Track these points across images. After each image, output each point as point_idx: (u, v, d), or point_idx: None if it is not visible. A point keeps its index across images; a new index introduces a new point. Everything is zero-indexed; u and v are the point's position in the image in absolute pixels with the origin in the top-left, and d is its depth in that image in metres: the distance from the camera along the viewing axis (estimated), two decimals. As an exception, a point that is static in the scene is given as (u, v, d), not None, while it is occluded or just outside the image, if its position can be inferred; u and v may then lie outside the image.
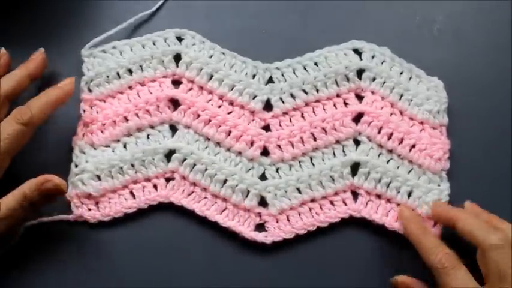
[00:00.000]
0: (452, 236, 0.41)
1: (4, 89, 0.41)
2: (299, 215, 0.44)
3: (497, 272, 0.36)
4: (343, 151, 0.45)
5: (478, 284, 0.37)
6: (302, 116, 0.46)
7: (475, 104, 0.48)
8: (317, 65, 0.47)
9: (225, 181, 0.44)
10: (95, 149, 0.45)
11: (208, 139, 0.45)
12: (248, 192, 0.44)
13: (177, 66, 0.47)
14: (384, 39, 0.48)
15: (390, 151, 0.45)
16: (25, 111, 0.40)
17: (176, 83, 0.47)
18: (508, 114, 0.48)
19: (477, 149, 0.46)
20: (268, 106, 0.46)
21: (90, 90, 0.47)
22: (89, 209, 0.44)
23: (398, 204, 0.44)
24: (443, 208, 0.43)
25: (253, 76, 0.47)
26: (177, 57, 0.47)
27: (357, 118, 0.46)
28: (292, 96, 0.46)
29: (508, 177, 0.46)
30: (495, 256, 0.37)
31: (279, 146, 0.45)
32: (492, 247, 0.37)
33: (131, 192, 0.45)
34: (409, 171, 0.45)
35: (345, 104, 0.46)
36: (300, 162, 0.45)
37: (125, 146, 0.45)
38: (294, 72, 0.47)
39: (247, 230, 0.44)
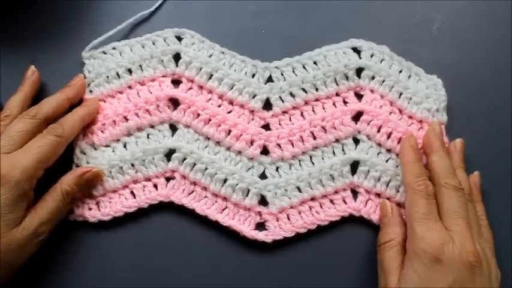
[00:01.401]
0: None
1: (44, 110, 0.42)
2: (299, 213, 0.44)
3: (451, 206, 0.39)
4: (343, 150, 0.45)
5: (439, 219, 0.39)
6: (302, 114, 0.46)
7: (474, 103, 0.48)
8: (316, 64, 0.47)
9: (225, 180, 0.44)
10: (95, 149, 0.45)
11: (208, 138, 0.46)
12: (248, 191, 0.44)
13: (177, 65, 0.47)
14: (383, 39, 0.48)
15: (389, 150, 0.45)
16: (57, 126, 0.42)
17: (176, 82, 0.47)
18: (507, 113, 0.48)
19: (476, 148, 0.46)
20: (267, 105, 0.47)
21: (91, 92, 0.47)
22: (90, 209, 0.44)
23: (398, 204, 0.44)
24: (435, 135, 0.43)
25: (253, 75, 0.47)
26: (177, 57, 0.47)
27: (357, 117, 0.46)
28: (291, 95, 0.46)
29: (507, 176, 0.46)
30: (451, 194, 0.39)
31: (278, 145, 0.45)
32: (449, 186, 0.40)
33: (131, 192, 0.45)
34: (409, 170, 0.45)
35: (345, 102, 0.46)
36: (299, 161, 0.46)
37: (125, 146, 0.46)
38: (294, 71, 0.47)
39: (247, 229, 0.44)
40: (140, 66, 0.47)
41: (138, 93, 0.47)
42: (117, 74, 0.47)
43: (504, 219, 0.45)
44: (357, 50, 0.47)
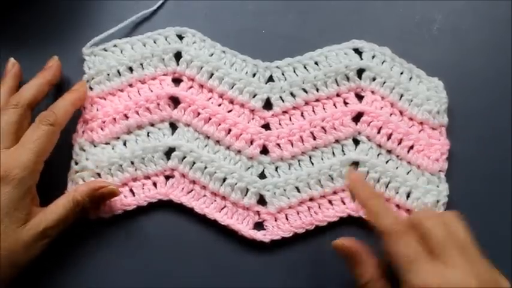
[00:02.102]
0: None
1: (25, 97, 0.42)
2: (298, 213, 0.44)
3: (404, 257, 0.35)
4: (343, 150, 0.45)
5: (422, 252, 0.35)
6: (302, 115, 0.46)
7: (475, 104, 0.47)
8: (317, 64, 0.47)
9: (224, 179, 0.44)
10: (94, 146, 0.46)
11: (208, 137, 0.46)
12: (247, 190, 0.44)
13: (178, 64, 0.47)
14: (383, 39, 0.48)
15: (389, 151, 0.45)
16: (49, 113, 0.42)
17: (176, 81, 0.47)
18: (508, 114, 0.47)
19: (477, 149, 0.46)
20: (268, 105, 0.46)
21: (91, 88, 0.47)
22: (89, 206, 0.44)
23: (397, 205, 0.44)
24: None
25: (254, 75, 0.47)
26: (178, 55, 0.47)
27: (357, 118, 0.46)
28: (292, 95, 0.46)
29: (507, 177, 0.46)
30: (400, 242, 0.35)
31: (278, 144, 0.45)
32: (398, 234, 0.35)
33: (131, 190, 0.45)
34: (408, 172, 0.45)
35: (345, 103, 0.46)
36: (299, 161, 0.45)
37: (124, 144, 0.46)
38: (294, 71, 0.47)
39: (245, 228, 0.44)
40: (141, 64, 0.47)
41: (138, 91, 0.47)
42: (118, 71, 0.47)
43: (504, 219, 0.45)
44: (358, 51, 0.47)
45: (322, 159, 0.45)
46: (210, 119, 0.45)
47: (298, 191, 0.45)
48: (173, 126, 0.46)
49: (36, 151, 0.40)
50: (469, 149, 0.46)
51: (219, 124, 0.45)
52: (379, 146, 0.45)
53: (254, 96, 0.46)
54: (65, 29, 0.49)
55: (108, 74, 0.47)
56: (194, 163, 0.45)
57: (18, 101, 0.42)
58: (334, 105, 0.46)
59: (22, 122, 0.42)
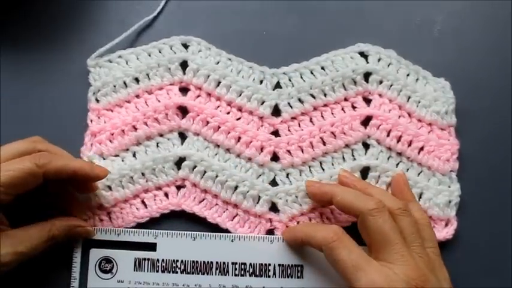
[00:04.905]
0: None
1: (51, 164, 0.38)
2: (310, 220, 0.44)
3: (380, 235, 0.37)
4: (353, 155, 0.45)
5: (362, 251, 0.37)
6: (311, 120, 0.46)
7: (476, 104, 0.48)
8: (324, 69, 0.47)
9: (235, 187, 0.44)
10: (104, 159, 0.45)
11: (218, 146, 0.45)
12: (259, 198, 0.44)
13: (184, 73, 0.47)
14: (384, 41, 0.48)
15: (399, 154, 0.45)
16: (45, 155, 0.39)
17: (183, 90, 0.47)
18: (509, 114, 0.48)
19: (477, 149, 0.46)
20: (276, 111, 0.46)
21: (97, 101, 0.46)
22: (101, 220, 0.44)
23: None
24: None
25: (261, 81, 0.47)
26: (184, 64, 0.47)
27: (366, 121, 0.46)
28: (300, 101, 0.46)
29: (508, 177, 0.46)
30: (374, 220, 0.38)
31: (288, 151, 0.45)
32: (371, 212, 0.38)
33: (142, 202, 0.45)
34: (419, 174, 0.45)
35: (353, 107, 0.46)
36: (309, 167, 0.45)
37: (134, 155, 0.45)
38: (301, 77, 0.47)
39: (258, 236, 0.44)
40: (147, 74, 0.47)
41: (146, 102, 0.46)
42: (124, 83, 0.47)
43: (504, 219, 0.45)
44: (364, 55, 0.47)
45: (332, 164, 0.45)
46: (219, 127, 0.45)
47: (310, 197, 0.44)
48: (182, 136, 0.46)
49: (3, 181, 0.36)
50: (478, 148, 0.46)
51: (229, 132, 0.45)
52: (389, 148, 0.45)
53: (262, 103, 0.46)
54: (63, 28, 0.48)
55: (115, 86, 0.46)
56: (205, 172, 0.44)
57: (43, 163, 0.38)
58: (343, 109, 0.46)
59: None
